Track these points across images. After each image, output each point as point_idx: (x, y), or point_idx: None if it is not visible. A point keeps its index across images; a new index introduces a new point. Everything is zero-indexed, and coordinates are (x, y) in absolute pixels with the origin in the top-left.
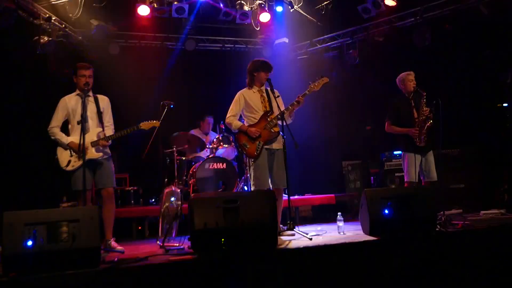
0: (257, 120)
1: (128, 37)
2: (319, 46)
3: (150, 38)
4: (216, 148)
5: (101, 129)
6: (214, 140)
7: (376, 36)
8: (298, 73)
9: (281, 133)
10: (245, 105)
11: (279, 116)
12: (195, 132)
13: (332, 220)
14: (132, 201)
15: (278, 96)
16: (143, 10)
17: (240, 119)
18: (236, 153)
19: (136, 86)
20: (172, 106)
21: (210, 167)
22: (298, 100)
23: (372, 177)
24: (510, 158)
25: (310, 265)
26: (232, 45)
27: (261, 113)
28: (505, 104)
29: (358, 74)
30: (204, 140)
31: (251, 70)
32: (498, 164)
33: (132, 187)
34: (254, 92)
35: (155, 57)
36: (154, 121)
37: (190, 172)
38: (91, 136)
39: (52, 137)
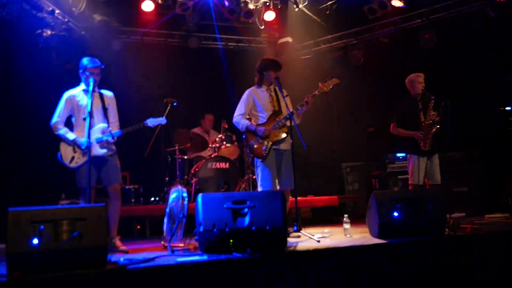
0: (265, 120)
1: (131, 33)
2: (323, 46)
3: (153, 35)
4: (219, 148)
5: (106, 125)
6: (217, 139)
7: (381, 37)
8: (302, 73)
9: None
10: (254, 104)
11: (287, 117)
12: (196, 130)
13: (334, 222)
14: (133, 200)
15: (286, 96)
16: (147, 6)
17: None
18: (238, 152)
19: (138, 83)
20: (175, 104)
21: (213, 166)
22: (307, 101)
23: (374, 180)
24: None
25: (320, 267)
26: (236, 44)
27: (270, 112)
28: (508, 108)
29: (361, 75)
30: (206, 138)
31: (261, 69)
32: (501, 168)
33: (132, 186)
34: (263, 91)
35: (157, 54)
36: (161, 118)
37: (192, 171)
38: (95, 133)
39: (56, 132)
